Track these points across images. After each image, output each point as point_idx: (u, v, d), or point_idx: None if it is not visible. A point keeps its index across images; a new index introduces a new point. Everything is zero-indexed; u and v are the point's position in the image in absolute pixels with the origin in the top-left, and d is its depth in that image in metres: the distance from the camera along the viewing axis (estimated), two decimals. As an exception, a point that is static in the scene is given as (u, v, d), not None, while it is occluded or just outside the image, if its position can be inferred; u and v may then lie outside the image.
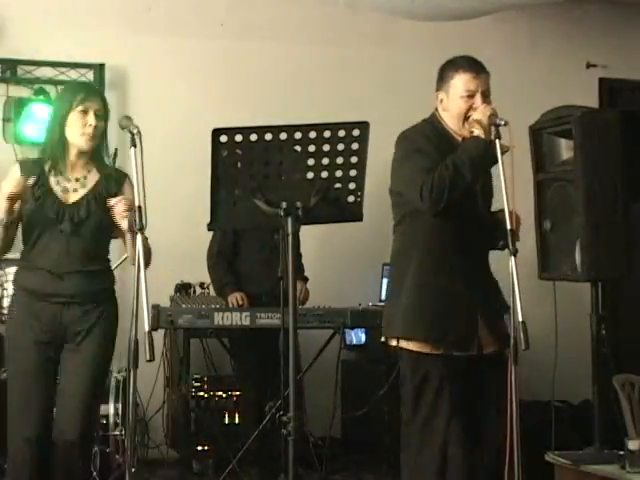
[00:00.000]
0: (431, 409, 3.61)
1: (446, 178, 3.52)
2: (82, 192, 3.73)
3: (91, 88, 3.83)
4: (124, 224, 3.60)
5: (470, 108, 3.68)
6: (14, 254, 3.85)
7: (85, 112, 3.68)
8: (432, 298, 3.65)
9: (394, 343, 3.69)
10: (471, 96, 3.71)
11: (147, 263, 3.54)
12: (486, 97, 3.71)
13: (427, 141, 3.70)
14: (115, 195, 3.72)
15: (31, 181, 3.67)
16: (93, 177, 3.76)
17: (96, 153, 3.76)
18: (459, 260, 3.68)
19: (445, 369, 3.62)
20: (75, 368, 3.66)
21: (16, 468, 3.66)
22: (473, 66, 3.81)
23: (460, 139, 3.71)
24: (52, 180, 3.72)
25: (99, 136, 3.72)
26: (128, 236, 3.67)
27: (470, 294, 3.66)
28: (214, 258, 5.40)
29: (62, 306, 3.66)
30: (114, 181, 3.77)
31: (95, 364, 3.70)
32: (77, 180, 3.74)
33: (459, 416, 3.61)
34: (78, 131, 3.68)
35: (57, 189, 3.70)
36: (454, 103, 3.74)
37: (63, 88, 3.94)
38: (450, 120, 3.76)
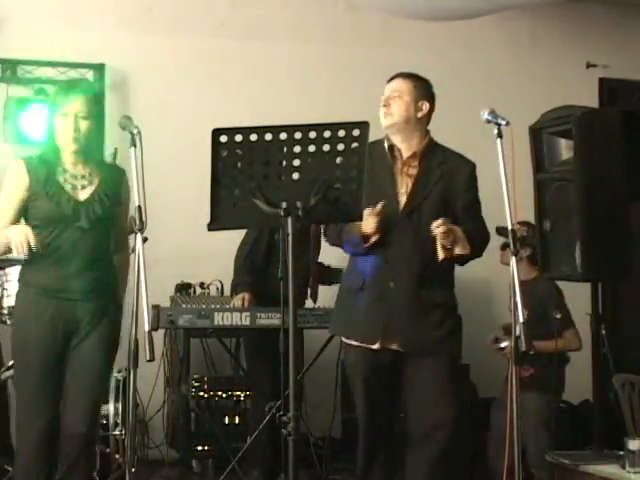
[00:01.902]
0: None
1: (333, 238, 4.06)
2: (91, 189, 3.74)
3: (71, 89, 3.79)
4: None
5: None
6: (15, 254, 3.84)
7: (65, 115, 3.69)
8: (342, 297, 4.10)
9: None
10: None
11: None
12: (392, 98, 3.99)
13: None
14: (117, 193, 3.74)
15: (41, 178, 3.69)
16: (96, 174, 3.77)
17: (89, 152, 3.76)
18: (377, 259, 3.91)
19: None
20: (84, 364, 3.67)
21: (27, 462, 3.67)
22: (391, 77, 4.12)
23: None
24: (60, 178, 3.73)
25: (83, 137, 3.70)
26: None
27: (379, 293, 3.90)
28: (238, 258, 5.36)
29: (75, 303, 3.67)
30: (113, 178, 3.80)
31: (103, 360, 3.73)
32: (83, 177, 3.75)
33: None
34: (62, 136, 3.70)
35: (67, 187, 3.72)
36: None
37: (52, 91, 3.95)
38: None
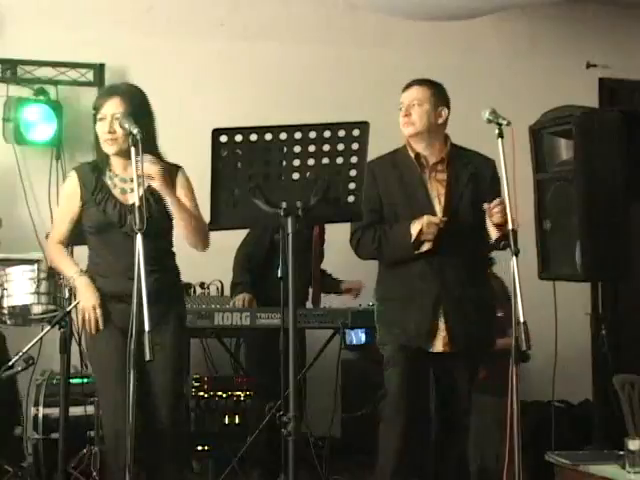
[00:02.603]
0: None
1: (368, 247, 4.06)
2: (140, 190, 3.73)
3: (107, 92, 3.83)
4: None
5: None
6: (15, 254, 3.85)
7: (103, 119, 3.73)
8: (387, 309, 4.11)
9: None
10: (401, 108, 4.09)
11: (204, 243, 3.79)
12: (412, 106, 4.03)
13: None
14: (172, 186, 3.75)
15: (90, 185, 3.74)
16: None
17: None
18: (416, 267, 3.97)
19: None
20: (159, 364, 3.64)
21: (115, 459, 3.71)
22: (407, 84, 4.13)
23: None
24: (109, 183, 3.76)
25: (121, 137, 3.70)
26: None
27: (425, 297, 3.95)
28: (239, 258, 5.36)
29: (129, 306, 3.61)
30: (170, 174, 3.78)
31: (176, 355, 3.79)
32: (132, 180, 3.73)
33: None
34: (102, 139, 3.73)
35: (116, 192, 3.76)
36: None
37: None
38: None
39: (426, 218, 3.87)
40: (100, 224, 3.75)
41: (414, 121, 4.01)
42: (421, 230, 3.88)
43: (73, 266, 3.82)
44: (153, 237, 3.66)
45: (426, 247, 3.91)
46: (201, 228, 3.76)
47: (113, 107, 3.72)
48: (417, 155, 4.06)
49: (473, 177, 4.02)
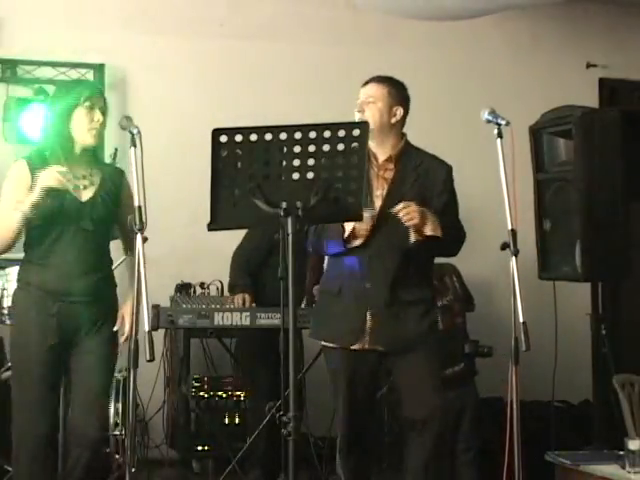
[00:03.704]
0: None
1: (310, 240, 4.02)
2: (92, 189, 3.73)
3: (94, 85, 3.87)
4: None
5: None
6: (15, 254, 3.84)
7: (91, 108, 3.69)
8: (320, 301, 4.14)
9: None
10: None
11: None
12: (365, 103, 3.98)
13: None
14: (117, 193, 3.73)
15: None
16: (97, 174, 3.77)
17: (97, 150, 3.78)
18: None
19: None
20: (89, 367, 3.67)
21: (28, 468, 3.65)
22: (366, 80, 4.10)
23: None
24: (64, 178, 3.70)
25: (102, 133, 3.74)
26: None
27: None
28: (237, 260, 5.37)
29: (78, 305, 3.66)
30: (114, 177, 3.80)
31: (107, 362, 3.74)
32: (84, 177, 3.74)
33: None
34: (85, 127, 3.69)
35: (69, 186, 3.69)
36: None
37: (65, 86, 3.93)
38: None
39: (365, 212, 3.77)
40: (56, 217, 3.64)
41: (366, 118, 3.93)
42: (354, 227, 3.85)
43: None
44: (101, 237, 3.72)
45: (357, 242, 3.88)
46: None
47: (101, 101, 3.73)
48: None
49: (420, 179, 3.95)
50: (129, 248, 3.85)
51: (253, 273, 5.32)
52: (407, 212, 3.75)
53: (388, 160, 3.99)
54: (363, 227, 3.84)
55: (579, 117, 4.56)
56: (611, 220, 4.51)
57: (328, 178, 3.23)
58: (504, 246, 3.45)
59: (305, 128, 3.17)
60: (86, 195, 3.71)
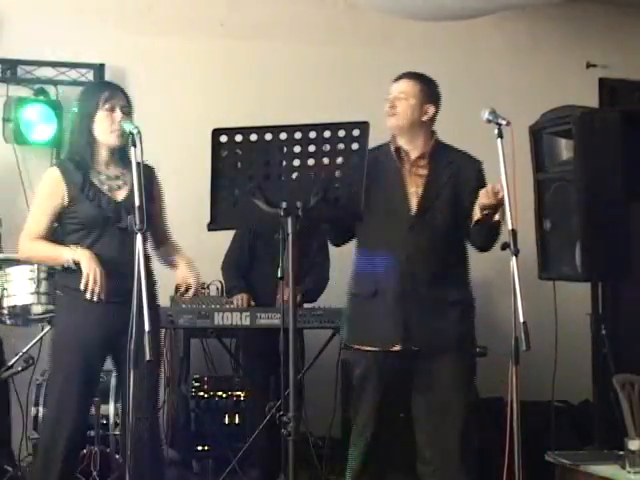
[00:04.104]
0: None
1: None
2: (126, 189, 3.74)
3: (114, 86, 3.86)
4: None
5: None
6: (15, 254, 3.84)
7: (112, 109, 3.71)
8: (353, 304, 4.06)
9: None
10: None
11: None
12: (398, 99, 3.97)
13: None
14: (150, 191, 3.76)
15: (77, 182, 3.71)
16: (129, 173, 3.74)
17: (126, 151, 3.73)
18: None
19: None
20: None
21: (49, 462, 3.69)
22: (397, 76, 4.09)
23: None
24: (96, 180, 3.74)
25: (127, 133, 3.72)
26: None
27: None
28: (227, 265, 5.40)
29: (120, 305, 3.62)
30: (146, 177, 3.79)
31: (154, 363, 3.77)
32: (117, 177, 3.75)
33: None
34: (107, 129, 3.70)
35: (104, 188, 3.73)
36: None
37: (85, 89, 3.95)
38: None
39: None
40: (94, 220, 3.70)
41: (397, 113, 3.96)
42: None
43: (64, 247, 3.72)
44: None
45: None
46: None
47: (122, 101, 3.75)
48: (397, 149, 4.01)
49: (454, 177, 3.95)
50: (160, 242, 3.93)
51: (242, 272, 5.35)
52: (493, 193, 3.64)
53: (421, 157, 3.99)
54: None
55: (579, 117, 4.56)
56: (611, 220, 4.51)
57: (328, 178, 3.23)
58: (504, 246, 3.45)
59: (305, 128, 3.17)
60: (121, 195, 3.73)
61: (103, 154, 3.76)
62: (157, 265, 3.87)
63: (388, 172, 3.98)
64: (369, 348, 3.93)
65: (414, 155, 4.00)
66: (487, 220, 3.72)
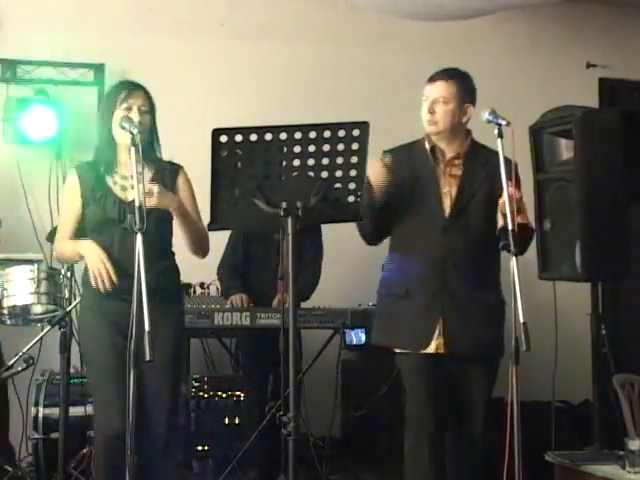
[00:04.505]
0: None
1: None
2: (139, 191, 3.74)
3: (132, 85, 3.85)
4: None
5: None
6: (15, 254, 3.85)
7: (129, 109, 3.72)
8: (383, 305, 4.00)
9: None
10: (425, 101, 3.92)
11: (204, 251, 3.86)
12: (438, 103, 3.87)
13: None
14: (171, 188, 3.77)
15: (89, 183, 3.75)
16: (148, 172, 3.77)
17: (148, 149, 3.73)
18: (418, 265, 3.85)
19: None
20: (153, 366, 3.57)
21: (110, 461, 3.71)
22: (433, 75, 3.96)
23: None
24: (110, 180, 3.77)
25: (146, 131, 3.72)
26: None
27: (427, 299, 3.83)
28: (223, 268, 5.41)
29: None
30: (168, 173, 3.79)
31: (174, 363, 3.78)
32: (132, 177, 3.74)
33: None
34: (123, 131, 3.68)
35: (116, 189, 3.76)
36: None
37: (107, 90, 3.97)
38: None
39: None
40: (99, 221, 3.75)
41: (437, 120, 3.86)
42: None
43: (77, 240, 3.80)
44: (153, 233, 3.65)
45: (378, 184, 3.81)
46: (202, 237, 3.81)
47: (140, 100, 3.76)
48: (433, 148, 3.93)
49: (489, 177, 3.83)
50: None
51: (238, 272, 5.36)
52: (520, 197, 3.61)
53: (456, 157, 3.92)
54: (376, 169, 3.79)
55: (579, 117, 4.56)
56: (611, 220, 4.51)
57: (328, 178, 3.23)
58: (504, 246, 3.45)
59: (305, 128, 3.17)
60: (132, 195, 3.70)
61: (124, 154, 3.76)
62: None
63: (423, 171, 3.91)
64: (399, 350, 3.90)
65: (449, 155, 3.93)
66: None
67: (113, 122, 3.73)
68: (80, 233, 3.85)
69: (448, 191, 3.89)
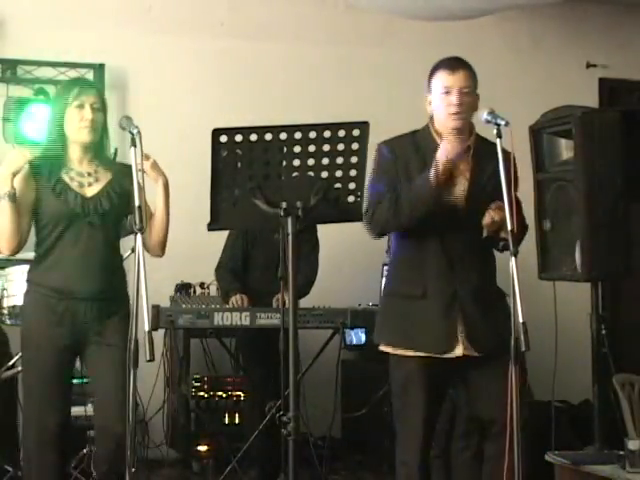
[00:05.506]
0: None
1: (384, 214, 3.59)
2: (98, 186, 3.74)
3: (85, 82, 3.87)
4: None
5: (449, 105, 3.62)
6: (19, 254, 3.84)
7: (81, 106, 3.69)
8: (396, 305, 3.74)
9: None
10: (448, 93, 3.64)
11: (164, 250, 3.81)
12: (465, 94, 3.65)
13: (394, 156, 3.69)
14: (128, 188, 3.68)
15: (44, 178, 3.69)
16: (104, 172, 3.77)
17: (100, 148, 3.76)
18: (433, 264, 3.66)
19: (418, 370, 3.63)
20: (106, 366, 3.65)
21: (39, 461, 3.68)
22: (451, 64, 3.74)
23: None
24: (66, 177, 3.72)
25: (99, 129, 3.72)
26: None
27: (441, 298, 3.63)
28: (221, 269, 5.40)
29: (88, 303, 3.65)
30: (126, 175, 3.78)
31: (122, 357, 3.68)
32: (89, 175, 3.75)
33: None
34: (76, 126, 3.69)
35: (74, 185, 3.72)
36: (435, 102, 3.69)
37: (60, 87, 3.95)
38: (438, 121, 3.70)
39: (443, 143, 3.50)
40: (60, 215, 3.67)
41: (464, 112, 3.63)
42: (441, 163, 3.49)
43: None
44: (108, 234, 3.71)
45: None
46: (166, 235, 3.81)
47: (92, 97, 3.72)
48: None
49: (496, 172, 3.51)
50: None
51: (237, 274, 5.36)
52: (495, 214, 3.51)
53: (465, 150, 3.67)
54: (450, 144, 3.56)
55: (579, 117, 4.56)
56: (611, 220, 4.51)
57: (328, 178, 3.23)
58: (504, 246, 3.45)
59: (305, 128, 3.17)
60: (91, 191, 3.72)
61: (76, 151, 3.73)
62: (155, 266, 3.83)
63: (431, 165, 3.62)
64: (413, 354, 3.62)
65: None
66: (495, 237, 3.58)
67: (65, 119, 3.69)
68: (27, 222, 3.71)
69: (459, 187, 3.70)
